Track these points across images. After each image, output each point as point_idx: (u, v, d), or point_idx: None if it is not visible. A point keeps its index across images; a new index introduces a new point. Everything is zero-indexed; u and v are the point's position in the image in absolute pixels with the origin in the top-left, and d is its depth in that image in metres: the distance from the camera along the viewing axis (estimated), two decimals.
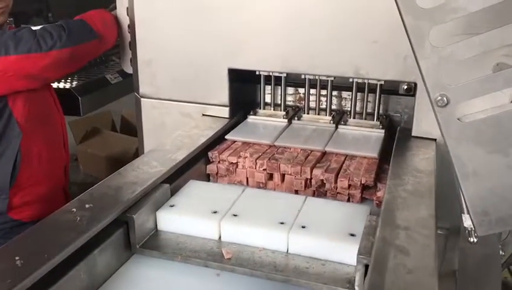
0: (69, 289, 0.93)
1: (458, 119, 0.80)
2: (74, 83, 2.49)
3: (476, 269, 1.03)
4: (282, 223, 1.12)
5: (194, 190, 1.30)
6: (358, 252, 0.98)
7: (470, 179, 0.81)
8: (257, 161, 1.44)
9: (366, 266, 0.95)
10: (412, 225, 1.00)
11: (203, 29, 1.63)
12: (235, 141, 1.57)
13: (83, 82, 2.53)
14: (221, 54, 1.64)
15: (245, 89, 1.81)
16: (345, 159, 1.46)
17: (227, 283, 1.04)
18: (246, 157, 1.46)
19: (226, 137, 1.58)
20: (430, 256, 0.89)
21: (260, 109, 1.77)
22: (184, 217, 1.16)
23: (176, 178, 1.32)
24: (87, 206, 1.07)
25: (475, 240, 0.90)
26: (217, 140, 1.57)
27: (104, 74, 2.66)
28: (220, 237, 1.14)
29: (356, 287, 0.98)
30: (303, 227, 1.11)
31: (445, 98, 0.78)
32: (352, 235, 1.08)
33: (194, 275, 1.06)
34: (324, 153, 1.50)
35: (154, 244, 1.13)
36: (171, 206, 1.20)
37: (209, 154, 1.49)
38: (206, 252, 1.10)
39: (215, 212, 1.17)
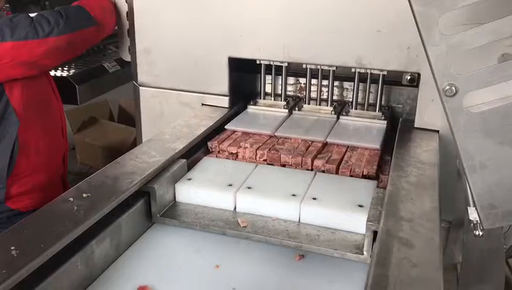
0: (99, 252, 1.01)
1: (466, 109, 0.77)
2: (71, 71, 2.45)
3: (479, 262, 1.01)
4: (294, 195, 1.19)
5: (209, 165, 1.36)
6: (367, 219, 1.03)
7: (477, 171, 0.79)
8: (257, 151, 1.42)
9: (375, 233, 1.00)
10: (416, 217, 0.99)
11: (203, 16, 1.60)
12: (234, 131, 1.55)
13: (80, 70, 2.50)
14: (221, 42, 1.62)
15: (245, 79, 1.78)
16: (346, 150, 1.44)
17: (242, 250, 1.10)
18: (246, 147, 1.44)
19: (226, 127, 1.55)
20: (434, 250, 0.88)
21: (260, 98, 1.74)
22: (202, 189, 1.23)
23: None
24: (84, 195, 1.05)
25: (480, 233, 0.89)
26: (217, 130, 1.55)
27: (102, 62, 2.62)
28: (235, 208, 1.20)
29: (365, 252, 1.03)
30: (314, 199, 1.18)
31: (453, 88, 0.76)
32: (361, 206, 1.14)
33: (211, 242, 1.13)
34: (325, 144, 1.48)
35: (173, 214, 1.19)
36: (189, 179, 1.27)
37: (209, 144, 1.47)
38: (223, 221, 1.16)
39: (230, 185, 1.24)
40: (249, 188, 1.23)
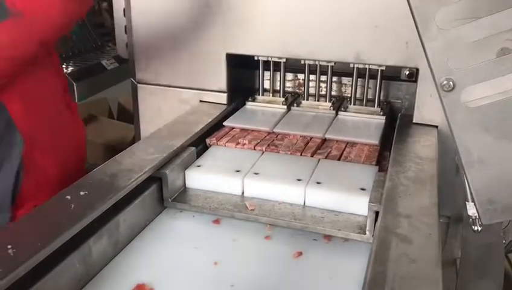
0: (111, 235, 1.05)
1: (464, 104, 0.77)
2: (69, 69, 2.44)
3: (479, 257, 1.01)
4: (299, 179, 1.23)
5: (217, 153, 1.40)
6: (369, 200, 1.08)
7: (475, 166, 0.78)
8: (256, 147, 1.41)
9: (376, 213, 1.05)
10: (415, 213, 0.98)
11: (201, 12, 1.60)
12: (233, 128, 1.54)
13: (78, 68, 2.49)
14: (219, 38, 1.61)
15: (244, 75, 1.78)
16: (345, 146, 1.44)
17: (248, 231, 1.16)
18: (245, 144, 1.43)
19: (224, 123, 1.55)
20: (433, 245, 0.87)
21: (259, 95, 1.74)
22: (211, 175, 1.27)
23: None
24: (82, 193, 1.05)
25: (479, 228, 0.88)
26: (215, 127, 1.54)
27: (100, 59, 2.61)
28: (243, 193, 1.25)
29: (367, 232, 1.07)
30: (318, 183, 1.22)
31: (451, 82, 0.76)
32: (363, 189, 1.18)
33: (220, 226, 1.19)
34: (324, 140, 1.48)
35: (184, 198, 1.24)
36: (198, 166, 1.31)
37: (207, 140, 1.46)
38: (232, 205, 1.21)
39: (238, 171, 1.27)
40: (256, 173, 1.27)
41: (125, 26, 1.75)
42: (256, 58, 1.65)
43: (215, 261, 1.05)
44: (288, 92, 1.75)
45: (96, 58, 2.66)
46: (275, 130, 1.51)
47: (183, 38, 1.65)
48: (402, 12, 0.84)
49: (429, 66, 0.77)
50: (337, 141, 1.47)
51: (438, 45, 0.77)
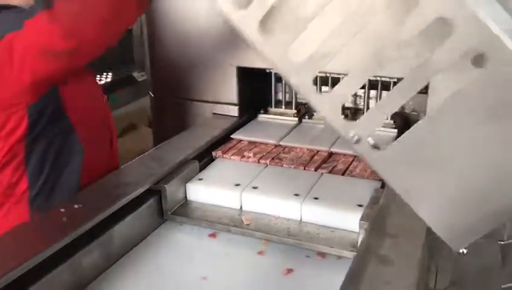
0: (104, 247, 1.08)
1: (377, 149, 0.73)
2: (101, 82, 2.54)
3: (474, 280, 0.96)
4: (296, 194, 1.22)
5: (221, 166, 1.42)
6: (361, 218, 1.06)
7: (417, 201, 0.74)
8: (260, 160, 1.42)
9: None
10: (402, 233, 0.95)
11: (212, 26, 1.62)
12: (241, 140, 1.55)
13: (110, 80, 2.58)
14: (230, 51, 1.62)
15: (256, 87, 1.78)
16: (352, 160, 1.41)
17: (243, 246, 1.16)
18: (250, 157, 1.44)
19: (232, 136, 1.56)
20: (413, 268, 0.84)
21: (271, 107, 1.74)
22: (210, 189, 1.29)
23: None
24: (76, 206, 1.09)
25: (464, 251, 0.84)
26: (223, 139, 1.55)
27: (131, 72, 2.70)
28: (241, 207, 1.25)
29: None
30: (315, 198, 1.21)
31: (356, 136, 0.73)
32: (360, 205, 1.16)
33: (217, 240, 1.20)
34: (331, 154, 1.46)
35: (183, 211, 1.26)
36: (200, 179, 1.33)
37: (213, 153, 1.48)
38: (229, 218, 1.22)
39: (237, 185, 1.28)
40: (255, 187, 1.27)
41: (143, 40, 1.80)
42: (267, 70, 1.65)
43: (203, 276, 1.06)
44: (301, 104, 1.74)
45: (128, 70, 2.75)
46: (281, 142, 1.51)
47: (195, 51, 1.68)
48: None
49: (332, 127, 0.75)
50: (344, 154, 1.44)
51: (331, 108, 0.73)
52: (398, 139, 0.69)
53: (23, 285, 0.89)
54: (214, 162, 1.44)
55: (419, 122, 0.68)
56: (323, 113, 0.73)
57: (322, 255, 1.12)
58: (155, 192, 1.24)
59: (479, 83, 0.61)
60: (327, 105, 0.71)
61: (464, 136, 0.66)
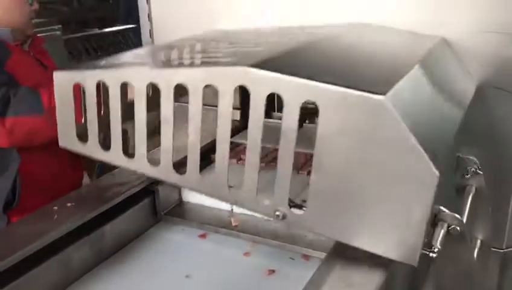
0: (95, 244, 1.13)
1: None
2: None
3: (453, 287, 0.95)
4: None
5: None
6: None
7: (357, 237, 0.81)
8: None
9: None
10: None
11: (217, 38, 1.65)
12: (241, 144, 1.57)
13: None
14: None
15: None
16: None
17: (230, 247, 1.19)
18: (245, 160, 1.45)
19: (232, 140, 1.58)
20: (379, 271, 0.84)
21: (275, 111, 1.75)
22: None
23: None
24: (69, 205, 1.13)
25: (434, 255, 0.83)
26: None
27: None
28: (232, 208, 1.28)
29: None
30: (304, 201, 1.21)
31: (280, 214, 0.90)
32: None
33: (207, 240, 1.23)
34: None
35: (177, 212, 1.30)
36: None
37: (212, 156, 1.50)
38: (219, 220, 1.25)
39: (230, 187, 1.25)
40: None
41: None
42: None
43: (187, 275, 1.09)
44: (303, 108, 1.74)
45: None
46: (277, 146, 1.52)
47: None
48: None
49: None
50: None
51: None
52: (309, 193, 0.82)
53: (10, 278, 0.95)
54: (212, 164, 1.46)
55: (312, 176, 0.84)
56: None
57: (306, 257, 1.13)
58: (150, 192, 1.28)
59: None
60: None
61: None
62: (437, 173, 0.66)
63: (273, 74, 0.83)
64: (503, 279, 1.45)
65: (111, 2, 4.07)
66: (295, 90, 0.81)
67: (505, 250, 1.40)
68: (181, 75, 0.92)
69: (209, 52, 1.10)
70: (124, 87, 0.93)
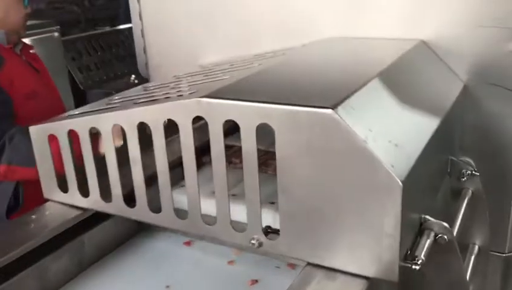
0: (74, 254, 1.10)
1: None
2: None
3: None
4: (272, 202, 1.15)
5: (208, 172, 1.30)
6: None
7: (334, 257, 0.79)
8: None
9: None
10: None
11: (214, 31, 1.62)
12: (233, 146, 1.53)
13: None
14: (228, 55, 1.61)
15: None
16: None
17: (214, 254, 1.16)
18: (237, 163, 1.41)
19: (226, 142, 1.54)
20: (358, 283, 0.79)
21: None
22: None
23: None
24: (47, 213, 1.11)
25: (417, 267, 0.79)
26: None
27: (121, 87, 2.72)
28: None
29: None
30: None
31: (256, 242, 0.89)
32: None
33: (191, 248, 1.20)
34: None
35: None
36: (182, 186, 1.27)
37: (203, 159, 1.47)
38: None
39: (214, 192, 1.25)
40: (234, 195, 1.21)
41: (144, 47, 1.82)
42: None
43: (167, 285, 1.05)
44: None
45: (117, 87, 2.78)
46: (271, 149, 1.47)
47: (195, 57, 1.67)
48: None
49: None
50: None
51: None
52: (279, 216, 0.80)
53: None
54: (202, 168, 1.42)
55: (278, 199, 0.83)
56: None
57: (292, 266, 1.09)
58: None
59: None
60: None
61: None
62: (399, 181, 0.62)
63: (225, 101, 0.84)
64: (506, 284, 1.39)
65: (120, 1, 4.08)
66: (248, 114, 0.81)
67: (507, 254, 1.33)
68: (140, 114, 0.94)
69: (179, 87, 1.11)
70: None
